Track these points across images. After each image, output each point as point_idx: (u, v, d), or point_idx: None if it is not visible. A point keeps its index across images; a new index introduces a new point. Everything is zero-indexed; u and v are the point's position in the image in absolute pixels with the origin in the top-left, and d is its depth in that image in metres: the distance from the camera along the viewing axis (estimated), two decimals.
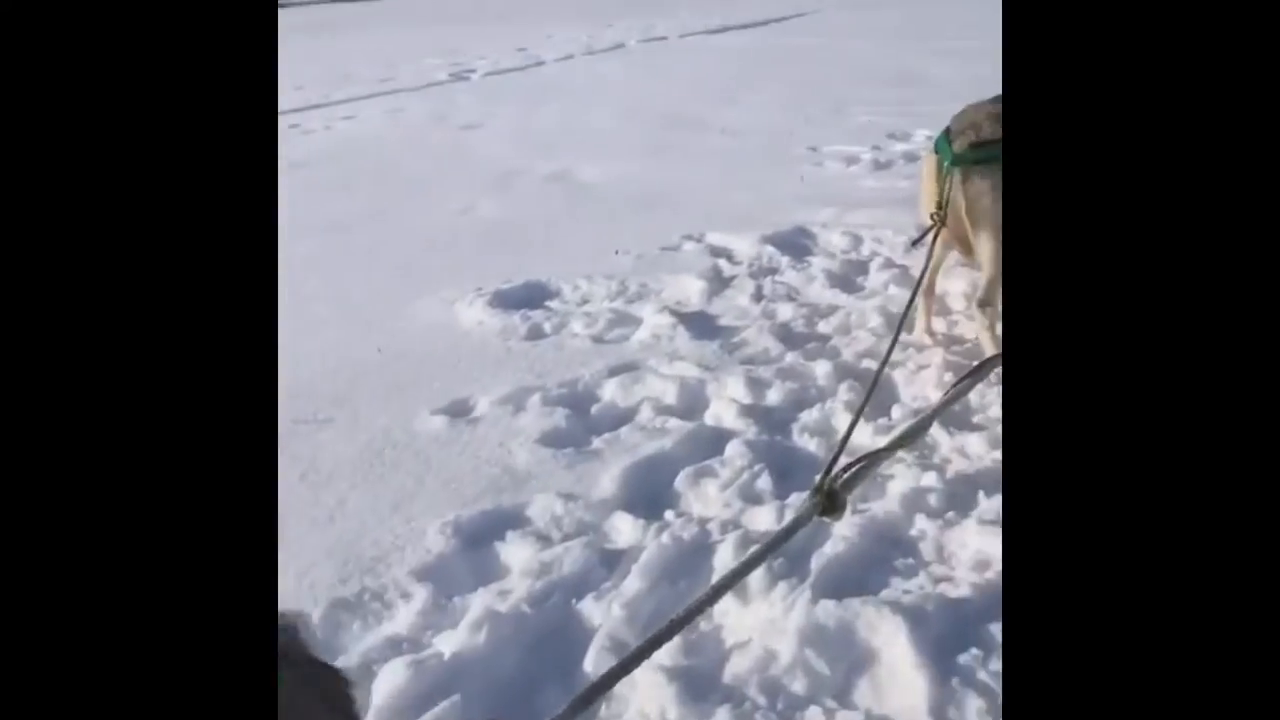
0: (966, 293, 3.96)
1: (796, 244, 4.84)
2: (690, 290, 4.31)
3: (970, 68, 9.45)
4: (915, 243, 3.64)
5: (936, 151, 3.48)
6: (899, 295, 4.06)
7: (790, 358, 3.58)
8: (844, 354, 3.62)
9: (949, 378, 3.35)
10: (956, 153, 3.39)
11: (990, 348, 3.47)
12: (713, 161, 6.80)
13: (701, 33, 16.20)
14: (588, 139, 8.14)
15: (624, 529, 2.64)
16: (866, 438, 3.00)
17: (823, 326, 3.88)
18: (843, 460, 2.34)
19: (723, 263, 4.64)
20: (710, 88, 10.35)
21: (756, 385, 3.34)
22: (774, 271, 4.51)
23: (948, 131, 3.50)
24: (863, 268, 4.48)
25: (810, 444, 3.03)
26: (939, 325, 3.84)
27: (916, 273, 3.69)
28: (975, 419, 3.09)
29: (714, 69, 12.09)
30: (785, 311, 4.02)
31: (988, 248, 3.43)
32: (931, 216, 3.41)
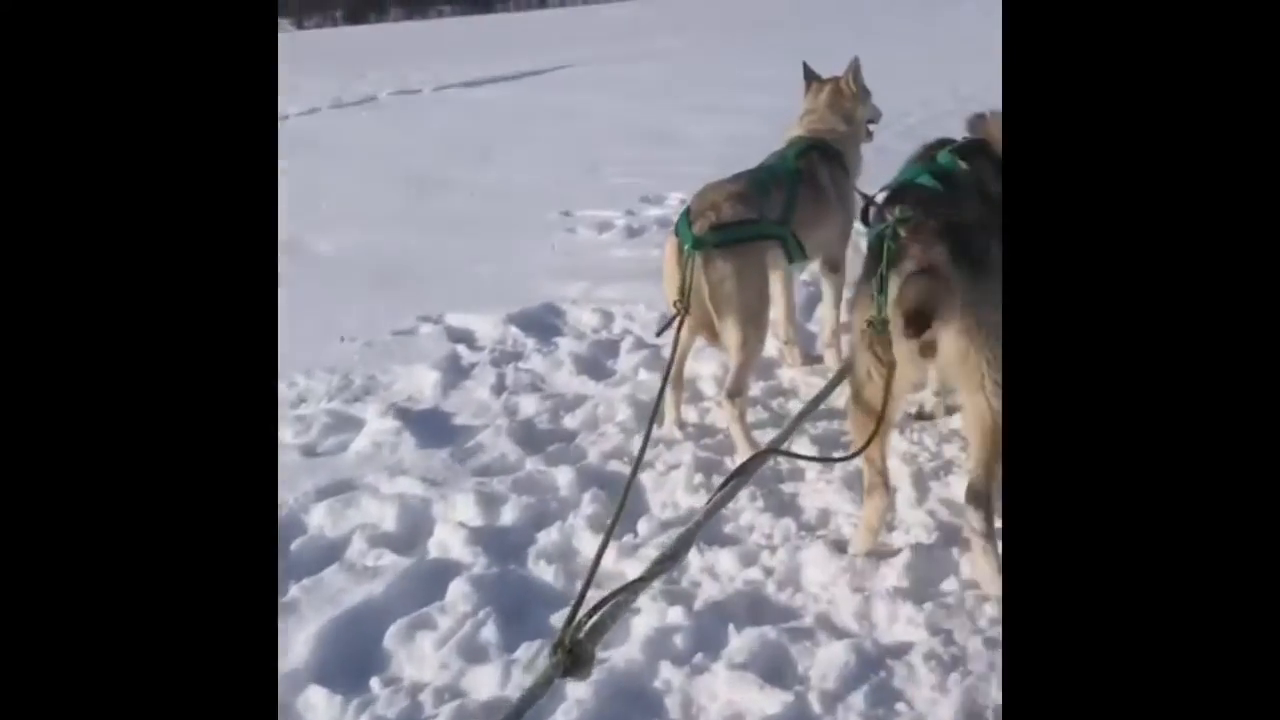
0: (718, 375, 3.75)
1: (544, 323, 4.51)
2: (423, 383, 3.89)
3: (727, 126, 9.57)
4: (660, 331, 3.40)
5: (677, 234, 3.25)
6: (650, 381, 3.80)
7: (530, 464, 3.23)
8: (590, 455, 3.30)
9: (700, 479, 3.11)
10: (697, 236, 3.17)
11: (742, 442, 3.25)
12: (460, 229, 6.41)
13: (457, 85, 15.86)
14: (324, 204, 7.57)
15: (318, 708, 2.18)
16: (611, 559, 2.69)
17: (568, 421, 3.56)
18: (588, 599, 2.01)
19: (462, 348, 4.24)
20: (463, 145, 9.98)
21: (489, 502, 2.96)
22: (518, 357, 4.16)
23: (688, 212, 3.29)
24: (613, 349, 4.20)
25: (547, 573, 2.68)
26: (690, 414, 3.60)
27: (668, 354, 3.45)
28: (727, 529, 2.83)
29: (468, 125, 11.75)
30: (528, 405, 3.67)
31: (734, 334, 3.22)
32: (674, 304, 3.17)
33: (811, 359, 4.00)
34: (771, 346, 4.00)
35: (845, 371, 2.78)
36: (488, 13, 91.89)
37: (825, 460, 2.97)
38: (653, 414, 2.80)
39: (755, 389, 3.74)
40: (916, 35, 20.33)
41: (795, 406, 3.65)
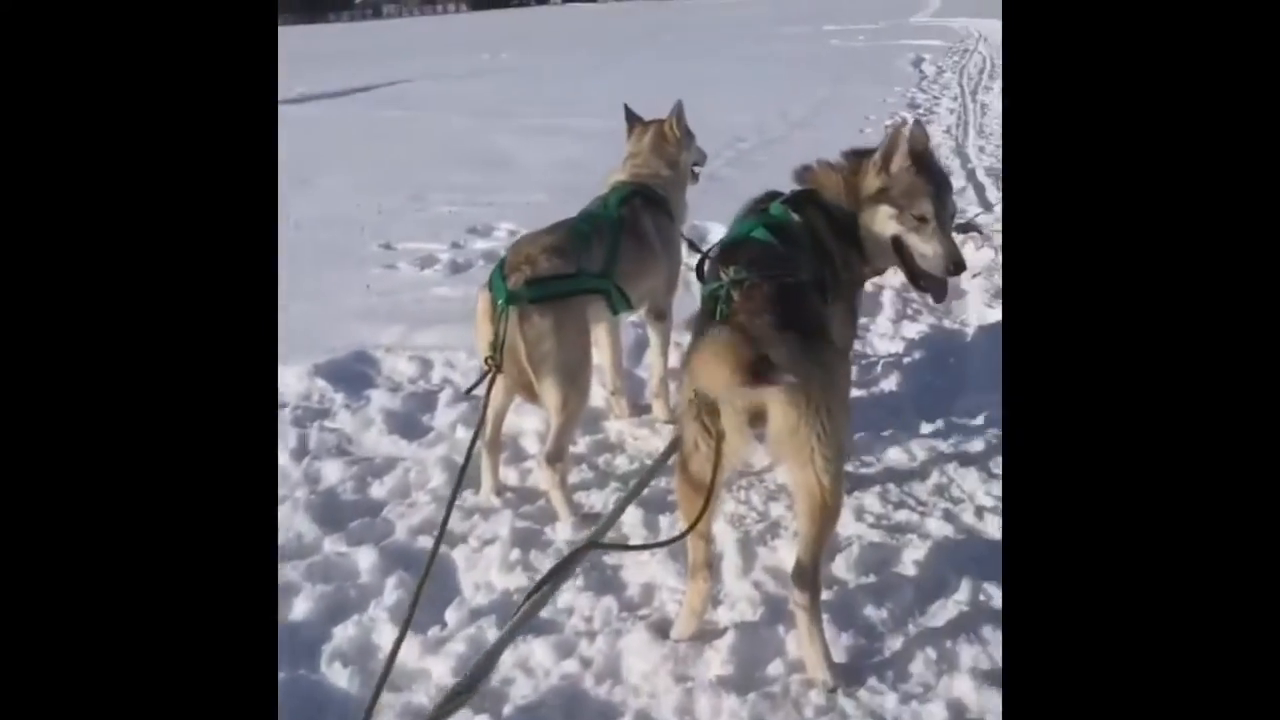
0: (541, 431, 3.55)
1: (355, 374, 4.20)
2: None
3: (561, 149, 9.39)
4: (469, 390, 3.17)
5: (490, 288, 3.04)
6: (468, 440, 3.54)
7: (329, 545, 2.94)
8: (397, 530, 3.05)
9: (517, 555, 2.90)
10: (511, 290, 2.97)
11: (563, 510, 3.07)
12: None
13: (281, 102, 15.14)
14: None
15: None
16: (414, 655, 2.47)
17: (376, 490, 3.29)
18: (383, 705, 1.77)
19: None
20: (280, 170, 9.42)
21: (280, 594, 2.66)
22: (324, 415, 3.84)
23: (502, 265, 3.09)
24: (430, 402, 3.93)
25: (342, 677, 2.42)
26: (510, 476, 3.39)
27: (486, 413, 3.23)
28: (544, 613, 2.61)
29: (288, 146, 11.11)
30: (332, 473, 3.37)
31: (554, 395, 3.03)
32: (486, 362, 2.96)
33: (639, 409, 3.86)
34: (598, 395, 3.84)
35: (670, 451, 2.63)
36: (322, 22, 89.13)
37: (650, 546, 2.79)
38: (456, 485, 2.62)
39: (580, 444, 3.57)
40: (752, 55, 20.74)
41: (622, 463, 3.50)
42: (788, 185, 3.02)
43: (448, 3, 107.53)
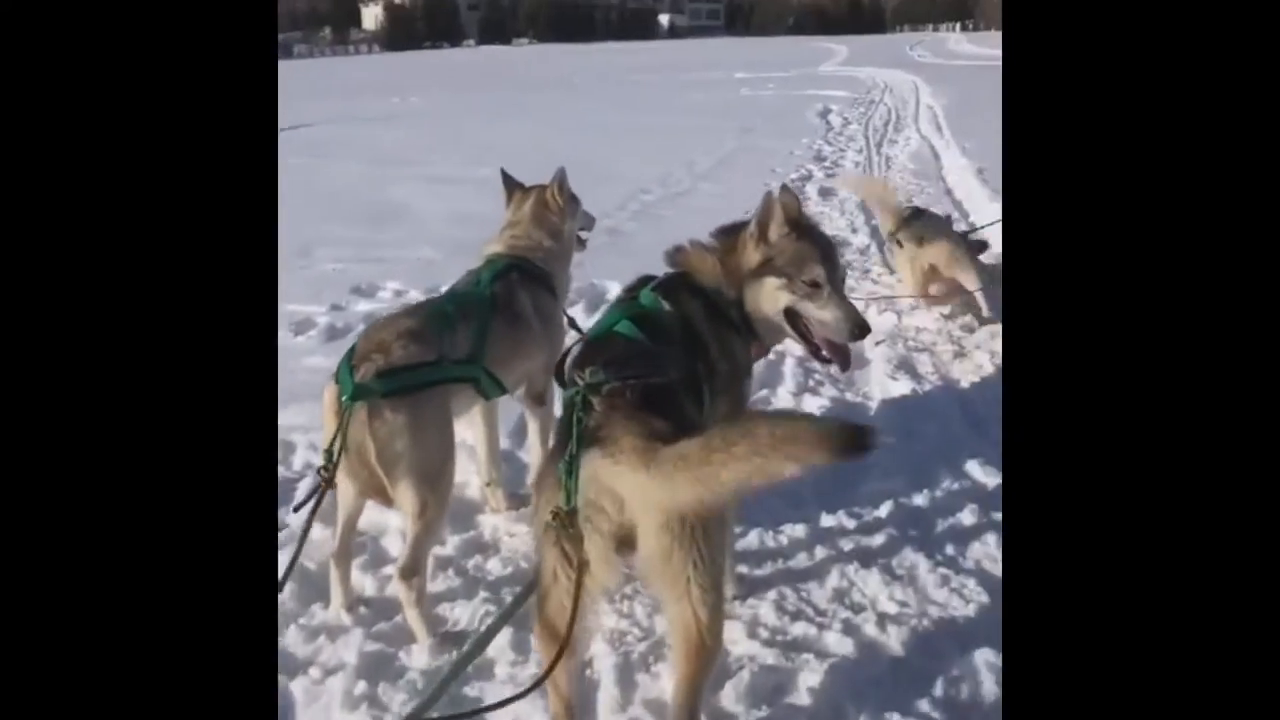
0: (405, 530, 3.19)
1: None
2: None
3: (461, 201, 9.07)
4: (298, 506, 2.79)
5: (337, 381, 2.70)
6: (323, 539, 3.14)
7: None
8: None
9: (364, 688, 2.54)
10: (359, 383, 2.63)
11: (421, 632, 2.72)
12: None
13: None
14: None
15: None
16: None
17: None
18: None
19: None
20: None
21: None
22: None
23: (351, 354, 2.75)
24: (286, 494, 3.53)
25: None
26: (367, 584, 3.02)
27: (336, 511, 2.88)
28: None
29: None
30: None
31: (410, 500, 2.69)
32: (319, 471, 2.61)
33: (518, 500, 3.51)
34: (473, 486, 3.52)
35: (527, 592, 2.30)
36: None
37: (493, 708, 2.35)
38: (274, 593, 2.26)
39: (450, 544, 3.23)
40: (662, 103, 20.76)
41: (494, 567, 3.16)
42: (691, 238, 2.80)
43: (360, 43, 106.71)
